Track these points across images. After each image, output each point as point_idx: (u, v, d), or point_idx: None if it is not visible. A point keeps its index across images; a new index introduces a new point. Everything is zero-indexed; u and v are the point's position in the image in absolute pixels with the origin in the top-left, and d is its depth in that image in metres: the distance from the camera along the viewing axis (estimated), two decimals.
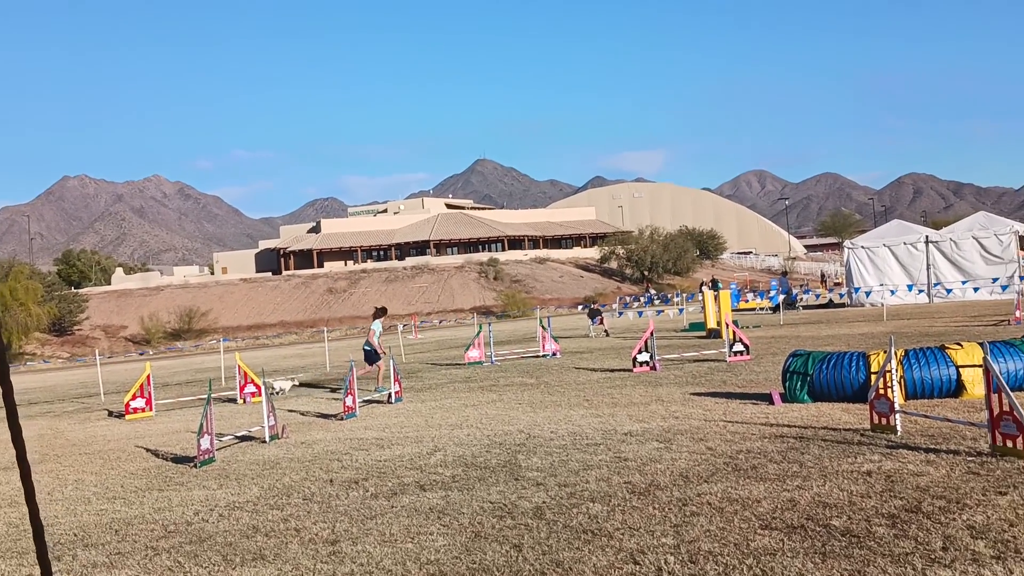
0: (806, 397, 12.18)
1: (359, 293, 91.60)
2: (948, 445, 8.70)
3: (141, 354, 58.28)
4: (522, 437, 11.33)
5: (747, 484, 7.76)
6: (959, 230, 36.11)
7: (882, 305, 32.70)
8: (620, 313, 47.71)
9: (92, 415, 20.51)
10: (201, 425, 11.39)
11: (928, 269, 35.06)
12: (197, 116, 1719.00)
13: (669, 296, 62.84)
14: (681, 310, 42.89)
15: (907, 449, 8.64)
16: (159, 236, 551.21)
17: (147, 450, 13.43)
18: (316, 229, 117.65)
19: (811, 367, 12.25)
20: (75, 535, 8.17)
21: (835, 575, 5.42)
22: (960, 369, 11.37)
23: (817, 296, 46.23)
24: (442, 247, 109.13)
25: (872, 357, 11.83)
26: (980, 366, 10.10)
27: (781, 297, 38.69)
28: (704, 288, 34.71)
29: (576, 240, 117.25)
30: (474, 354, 24.55)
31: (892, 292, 34.57)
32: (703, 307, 29.34)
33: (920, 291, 35.00)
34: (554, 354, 24.57)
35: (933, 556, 5.58)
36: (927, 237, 35.67)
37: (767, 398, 12.73)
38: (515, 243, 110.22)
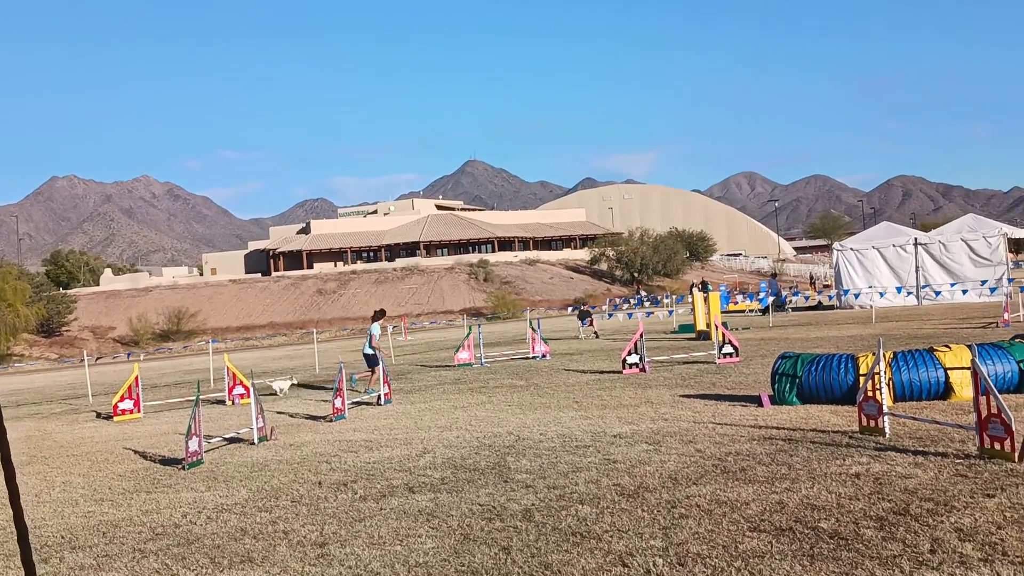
0: (795, 399, 12.20)
1: (349, 294, 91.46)
2: (936, 447, 8.72)
3: (128, 355, 58.04)
4: (511, 439, 11.32)
5: (736, 486, 7.77)
6: (948, 232, 36.18)
7: (871, 307, 32.77)
8: (610, 315, 47.72)
9: (80, 416, 20.44)
10: (189, 427, 11.36)
11: (917, 271, 35.13)
12: (187, 116, 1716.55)
13: (659, 298, 62.91)
14: (671, 312, 42.94)
15: (895, 451, 8.66)
16: (148, 237, 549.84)
17: (135, 452, 13.39)
18: (306, 230, 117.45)
19: (800, 369, 12.27)
20: (62, 537, 8.14)
21: None
22: (948, 371, 11.40)
23: (806, 298, 46.30)
24: (432, 248, 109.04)
25: (861, 359, 11.86)
26: (968, 368, 10.15)
27: (770, 299, 38.77)
28: (694, 290, 34.72)
29: (566, 241, 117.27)
30: (464, 356, 24.53)
31: (881, 294, 34.63)
32: (693, 309, 29.36)
33: (909, 293, 35.07)
34: (544, 356, 24.57)
35: (921, 559, 5.59)
36: (916, 239, 35.75)
37: (756, 400, 12.74)
38: (505, 244, 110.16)
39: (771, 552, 5.95)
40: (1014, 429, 7.81)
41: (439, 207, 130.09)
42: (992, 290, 32.36)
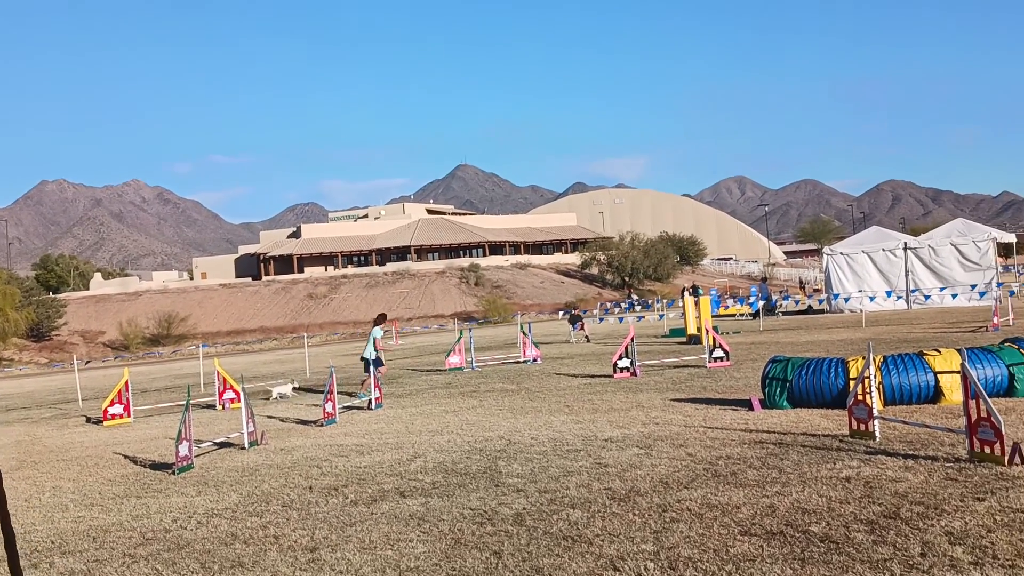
0: (785, 403, 12.22)
1: (339, 299, 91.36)
2: (926, 451, 8.74)
3: (116, 358, 58.00)
4: (503, 443, 11.32)
5: (727, 490, 7.78)
6: (937, 237, 36.26)
7: (861, 311, 32.84)
8: (601, 319, 47.79)
9: (70, 421, 20.38)
10: (180, 431, 11.33)
11: (907, 275, 35.21)
12: (177, 120, 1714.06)
13: (650, 302, 62.97)
14: (661, 316, 42.98)
15: (886, 455, 8.68)
16: (138, 241, 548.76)
17: (125, 457, 13.35)
18: (296, 234, 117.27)
19: (790, 373, 12.29)
20: (52, 542, 8.11)
21: None
22: (938, 375, 11.43)
23: (796, 302, 46.39)
24: (423, 252, 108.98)
25: (851, 363, 11.88)
26: (958, 372, 10.18)
27: (761, 303, 38.82)
28: (685, 294, 34.79)
29: (557, 246, 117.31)
30: (455, 360, 24.52)
31: (871, 298, 34.70)
32: (683, 313, 29.39)
33: (899, 297, 35.15)
34: (535, 360, 24.56)
35: (911, 562, 5.61)
36: (906, 244, 35.84)
37: (747, 404, 12.76)
38: (496, 249, 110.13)
39: (762, 556, 5.95)
40: (1004, 433, 7.84)
41: (430, 211, 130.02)
42: (981, 294, 32.43)
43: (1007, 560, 5.51)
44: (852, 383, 11.21)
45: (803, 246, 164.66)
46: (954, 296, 33.18)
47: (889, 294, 34.89)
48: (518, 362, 24.93)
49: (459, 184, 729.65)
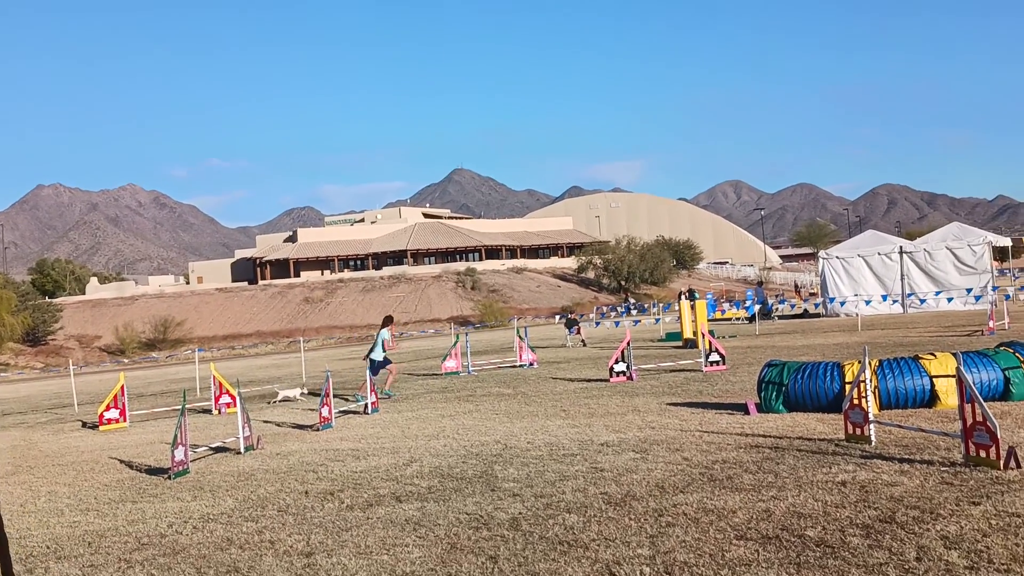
0: (781, 407, 12.23)
1: (336, 303, 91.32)
2: (922, 455, 8.75)
3: (113, 361, 57.93)
4: (499, 448, 11.32)
5: (722, 494, 7.78)
6: (933, 241, 36.33)
7: (857, 315, 32.89)
8: (597, 323, 47.81)
9: (66, 426, 20.34)
10: (175, 436, 11.32)
11: (902, 279, 35.27)
12: (173, 125, 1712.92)
13: (646, 306, 62.99)
14: (657, 320, 43.00)
15: (881, 459, 8.69)
16: (134, 245, 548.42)
17: (121, 461, 13.33)
18: (293, 238, 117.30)
19: (786, 377, 12.30)
20: (48, 547, 8.10)
21: None
22: (934, 379, 11.44)
23: (792, 306, 46.44)
24: (419, 257, 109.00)
25: (846, 367, 11.89)
26: (953, 376, 10.17)
27: (757, 307, 38.87)
28: (682, 298, 34.79)
29: (553, 250, 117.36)
30: (451, 364, 24.52)
31: (867, 302, 34.75)
32: (680, 317, 29.42)
33: (894, 301, 35.20)
34: (531, 364, 24.56)
35: (907, 566, 5.61)
36: (901, 248, 35.89)
37: (743, 408, 12.77)
38: (492, 253, 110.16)
39: (758, 560, 5.96)
40: (999, 437, 7.84)
41: (426, 215, 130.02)
42: (977, 298, 32.49)
43: (1002, 564, 5.52)
44: (848, 387, 11.21)
45: (799, 250, 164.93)
46: (950, 300, 33.26)
47: (885, 298, 34.95)
48: (514, 366, 24.92)
49: (455, 188, 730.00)
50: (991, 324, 23.38)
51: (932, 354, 11.97)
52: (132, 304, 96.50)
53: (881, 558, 5.79)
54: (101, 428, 18.43)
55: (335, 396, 20.01)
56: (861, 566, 5.68)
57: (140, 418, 20.27)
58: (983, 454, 7.99)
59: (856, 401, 9.61)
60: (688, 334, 27.75)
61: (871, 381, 10.82)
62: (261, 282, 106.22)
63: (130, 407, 20.26)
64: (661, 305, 55.75)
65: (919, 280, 35.02)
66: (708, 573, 5.78)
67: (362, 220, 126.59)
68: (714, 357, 19.06)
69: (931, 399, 11.47)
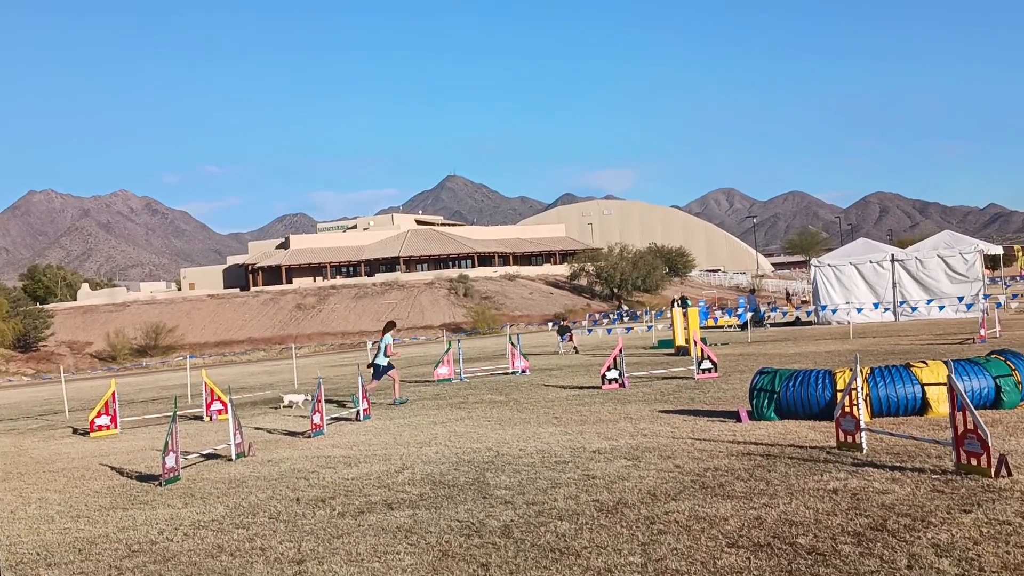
0: (773, 415, 12.24)
1: (328, 309, 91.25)
2: (913, 463, 8.76)
3: (104, 367, 57.78)
4: (491, 455, 11.31)
5: (714, 502, 7.78)
6: (925, 249, 36.41)
7: (848, 323, 32.93)
8: (589, 330, 47.82)
9: (56, 432, 20.28)
10: (166, 443, 11.29)
11: (894, 287, 35.33)
12: (165, 131, 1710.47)
13: (638, 313, 63.03)
14: (650, 327, 43.03)
15: (873, 467, 8.70)
16: (126, 251, 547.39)
17: (112, 468, 13.29)
18: (285, 245, 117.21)
19: (778, 385, 12.31)
20: (38, 554, 8.07)
21: None
22: (925, 387, 11.46)
23: (784, 314, 46.50)
24: (412, 263, 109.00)
25: (838, 375, 11.91)
26: (945, 384, 10.20)
27: (749, 315, 38.90)
28: (675, 305, 34.83)
29: (546, 257, 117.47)
30: (443, 371, 24.49)
31: (858, 310, 34.80)
32: (672, 324, 29.44)
33: (886, 309, 35.26)
34: (523, 371, 24.55)
35: (898, 574, 5.61)
36: (893, 256, 35.96)
37: (735, 416, 12.77)
38: (485, 260, 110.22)
39: (749, 568, 5.96)
40: (990, 445, 7.86)
41: (419, 222, 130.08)
42: (968, 306, 32.56)
43: (993, 572, 5.52)
44: (839, 395, 11.23)
45: (791, 258, 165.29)
46: (941, 308, 33.31)
47: (876, 306, 35.00)
48: (506, 373, 24.92)
49: (448, 195, 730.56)
50: (982, 332, 23.43)
51: (923, 362, 11.99)
52: (123, 310, 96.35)
53: (872, 566, 5.80)
54: (92, 434, 18.37)
55: (333, 401, 20.05)
56: (852, 574, 5.68)
57: (131, 425, 20.22)
58: (974, 462, 8.00)
59: (848, 409, 9.62)
60: (680, 341, 27.76)
61: (862, 389, 10.83)
62: (253, 289, 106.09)
63: (121, 413, 20.21)
64: (653, 312, 55.79)
65: (911, 288, 35.09)
66: None
67: (354, 227, 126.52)
68: (706, 364, 19.08)
69: (922, 407, 11.49)
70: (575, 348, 33.63)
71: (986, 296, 33.21)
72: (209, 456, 13.33)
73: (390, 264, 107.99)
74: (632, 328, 47.15)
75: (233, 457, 12.76)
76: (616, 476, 9.24)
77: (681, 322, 28.04)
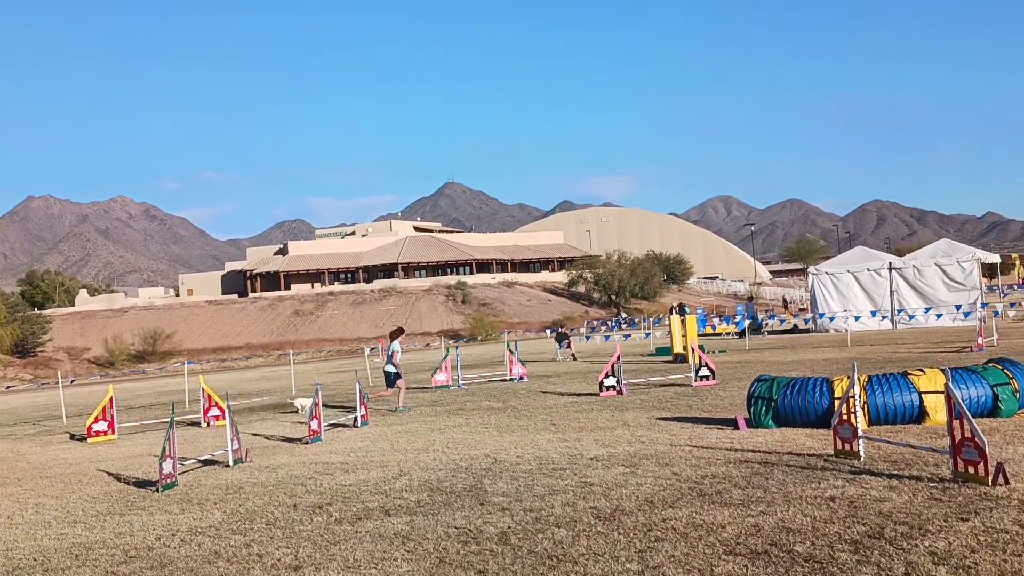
0: (771, 422, 12.24)
1: (326, 316, 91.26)
2: (911, 471, 8.77)
3: (102, 373, 57.72)
4: (488, 462, 11.31)
5: (712, 509, 7.78)
6: (922, 257, 36.46)
7: (846, 331, 32.95)
8: (587, 337, 47.83)
9: (54, 438, 20.27)
10: (164, 448, 11.28)
11: (891, 295, 35.37)
12: (164, 137, 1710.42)
13: (636, 320, 63.04)
14: (647, 334, 43.03)
15: (870, 475, 8.70)
16: (124, 257, 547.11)
17: (109, 474, 13.28)
18: (283, 251, 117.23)
19: (776, 392, 12.32)
20: (35, 560, 8.06)
21: None
22: (923, 395, 11.47)
23: (782, 321, 46.53)
24: (410, 270, 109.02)
25: (836, 383, 11.91)
26: (942, 392, 10.21)
27: (747, 322, 38.92)
28: (673, 313, 34.84)
29: (544, 264, 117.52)
30: (441, 378, 24.50)
31: (856, 318, 34.82)
32: (670, 332, 29.45)
33: (883, 317, 35.29)
34: (521, 378, 24.56)
35: None
36: (890, 264, 36.01)
37: (732, 423, 12.78)
38: (483, 266, 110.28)
39: (746, 575, 5.96)
40: (987, 453, 7.87)
41: (417, 229, 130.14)
42: (966, 315, 32.60)
43: None
44: (837, 403, 11.24)
45: (789, 265, 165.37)
46: (939, 316, 33.34)
47: (874, 314, 35.04)
48: (504, 380, 24.92)
49: (446, 202, 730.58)
50: (980, 340, 23.45)
51: (921, 370, 12.00)
52: (121, 316, 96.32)
53: (870, 574, 5.80)
54: (89, 440, 18.37)
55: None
56: None
57: (128, 430, 20.21)
58: (971, 470, 8.00)
59: (845, 416, 9.62)
60: (678, 349, 27.77)
61: (860, 397, 10.84)
62: (251, 295, 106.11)
63: (119, 419, 20.20)
64: (651, 320, 55.82)
65: (908, 296, 35.13)
66: None
67: (353, 233, 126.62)
68: (704, 372, 19.08)
69: (920, 415, 11.50)
70: (573, 355, 33.62)
71: (983, 304, 33.23)
72: (206, 462, 13.33)
73: (388, 271, 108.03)
74: (630, 335, 47.18)
75: (230, 463, 12.76)
76: (613, 483, 9.24)
77: (679, 329, 28.06)
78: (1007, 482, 7.81)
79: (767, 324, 45.08)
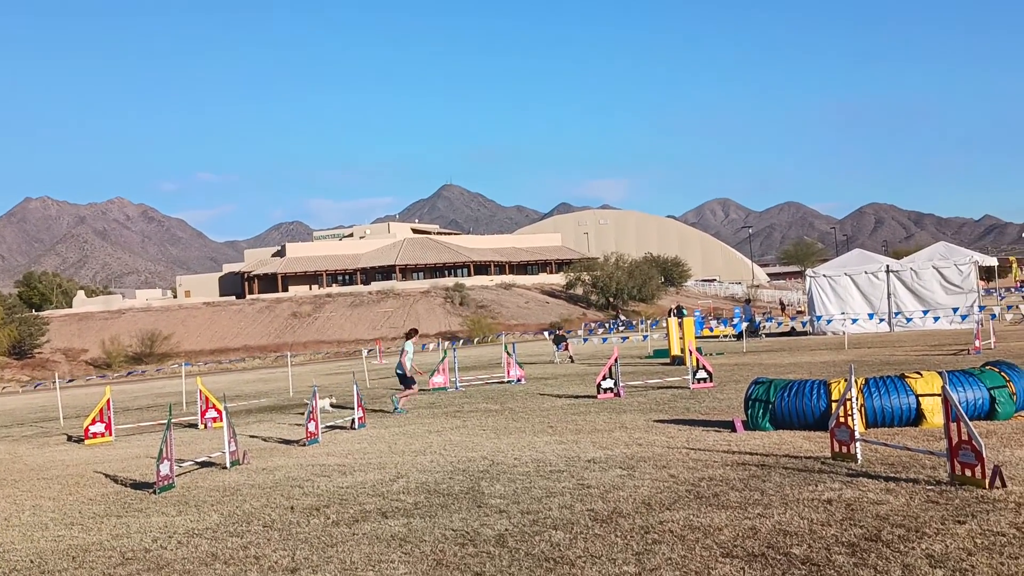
0: (768, 425, 12.24)
1: (324, 318, 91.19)
2: (908, 474, 8.77)
3: (100, 375, 57.74)
4: (485, 464, 11.31)
5: (709, 512, 7.78)
6: (920, 260, 36.49)
7: (843, 333, 32.96)
8: (585, 339, 47.80)
9: (51, 439, 20.25)
10: (161, 450, 11.28)
11: (889, 298, 35.39)
12: (162, 138, 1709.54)
13: (633, 323, 63.02)
14: (645, 337, 43.03)
15: (867, 477, 8.71)
16: (122, 259, 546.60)
17: (106, 476, 13.27)
18: (281, 253, 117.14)
19: (773, 395, 12.32)
20: (31, 562, 8.05)
21: None
22: (920, 398, 11.47)
23: (779, 324, 46.54)
24: (408, 272, 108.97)
25: (833, 385, 11.92)
26: (939, 395, 10.21)
27: (744, 325, 38.94)
28: (671, 315, 34.85)
29: (542, 266, 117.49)
30: (439, 380, 24.49)
31: (853, 321, 34.84)
32: (667, 334, 29.46)
33: (881, 320, 35.32)
34: (519, 380, 24.55)
35: None
36: (888, 266, 36.04)
37: (730, 425, 12.79)
38: (481, 268, 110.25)
39: None
40: (984, 456, 7.87)
41: (415, 231, 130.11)
42: (963, 317, 32.63)
43: None
44: (834, 405, 11.24)
45: (786, 268, 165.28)
46: (936, 319, 33.36)
47: (871, 316, 35.05)
48: (502, 382, 24.91)
49: (444, 204, 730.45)
50: (977, 343, 23.47)
51: (918, 373, 12.00)
52: (119, 318, 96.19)
53: None
54: (86, 442, 18.35)
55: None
56: None
57: (126, 432, 20.19)
58: (969, 473, 8.01)
59: (842, 419, 9.63)
60: (676, 351, 27.77)
61: (857, 399, 10.85)
62: (249, 296, 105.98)
63: (116, 421, 20.20)
64: (649, 322, 55.81)
65: (905, 299, 35.15)
66: None
67: (351, 235, 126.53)
68: (701, 374, 19.09)
69: (917, 418, 11.50)
70: (571, 357, 33.61)
71: (981, 307, 33.26)
72: (204, 464, 13.32)
73: (386, 272, 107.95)
74: (627, 337, 47.17)
75: (228, 465, 12.75)
76: (611, 485, 9.24)
77: (677, 332, 28.06)
78: (1004, 485, 7.81)
79: (764, 326, 45.09)
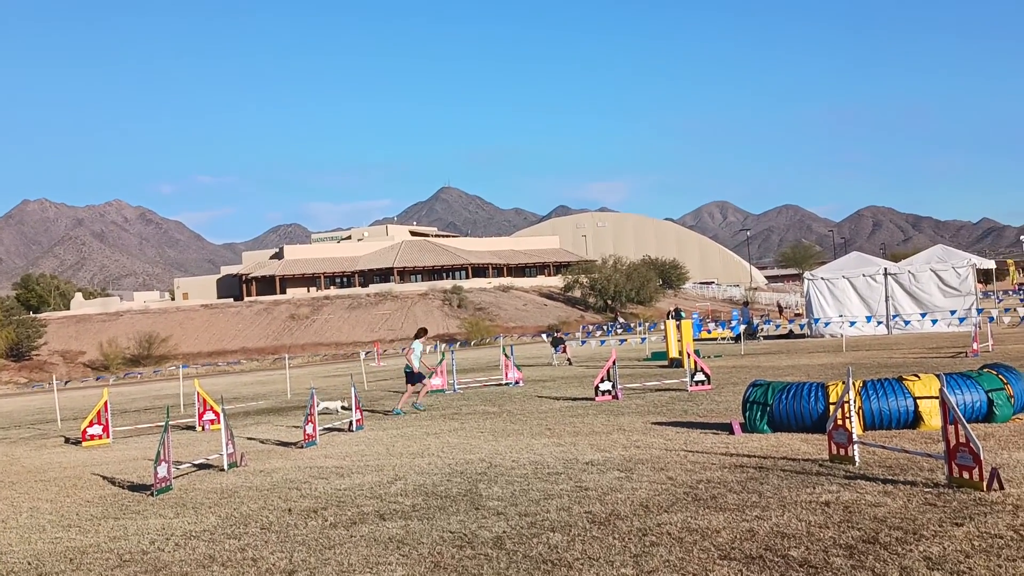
0: (766, 427, 12.25)
1: (322, 320, 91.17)
2: (905, 476, 8.77)
3: (97, 377, 57.64)
4: (483, 466, 11.30)
5: (707, 514, 7.78)
6: (917, 263, 36.52)
7: (841, 336, 33.00)
8: (583, 342, 47.80)
9: (48, 441, 20.24)
10: (158, 452, 11.27)
11: (887, 301, 35.42)
12: (160, 140, 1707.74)
13: (632, 325, 63.03)
14: (643, 339, 43.04)
15: (865, 480, 8.71)
16: (119, 261, 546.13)
17: (103, 478, 13.26)
18: (279, 255, 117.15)
19: (771, 397, 12.33)
20: (29, 564, 8.05)
21: None
22: (917, 400, 11.48)
23: (777, 327, 46.55)
24: (406, 274, 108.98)
25: (831, 388, 11.92)
26: (937, 398, 10.22)
27: (742, 327, 38.96)
28: (669, 317, 34.86)
29: (540, 268, 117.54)
30: (436, 382, 24.48)
31: (851, 323, 34.88)
32: (665, 336, 29.47)
33: (879, 323, 35.35)
34: (517, 382, 24.55)
35: None
36: (886, 269, 36.07)
37: (727, 428, 12.78)
38: (479, 271, 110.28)
39: None
40: (982, 458, 7.87)
41: (413, 233, 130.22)
42: (961, 320, 32.65)
43: None
44: (832, 408, 11.25)
45: (784, 271, 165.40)
46: (934, 322, 33.39)
47: (869, 319, 35.09)
48: (500, 384, 24.92)
49: (442, 206, 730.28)
50: (975, 346, 23.49)
51: (916, 375, 12.01)
52: (117, 320, 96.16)
53: None
54: (84, 444, 18.34)
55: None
56: None
57: (123, 434, 20.18)
58: (966, 475, 8.01)
59: (840, 422, 9.63)
60: (674, 353, 27.78)
61: (855, 402, 10.86)
62: (247, 299, 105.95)
63: (113, 423, 20.17)
64: (647, 324, 55.82)
65: (903, 302, 35.18)
66: None
67: (349, 237, 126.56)
68: (699, 377, 19.10)
69: (915, 420, 11.51)
70: (569, 360, 33.64)
71: (979, 310, 33.30)
72: (201, 466, 13.31)
73: (384, 275, 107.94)
74: (626, 340, 47.17)
75: (225, 467, 12.74)
76: (609, 488, 9.24)
77: (675, 334, 28.06)
78: (1002, 487, 7.81)
79: (763, 329, 45.12)
